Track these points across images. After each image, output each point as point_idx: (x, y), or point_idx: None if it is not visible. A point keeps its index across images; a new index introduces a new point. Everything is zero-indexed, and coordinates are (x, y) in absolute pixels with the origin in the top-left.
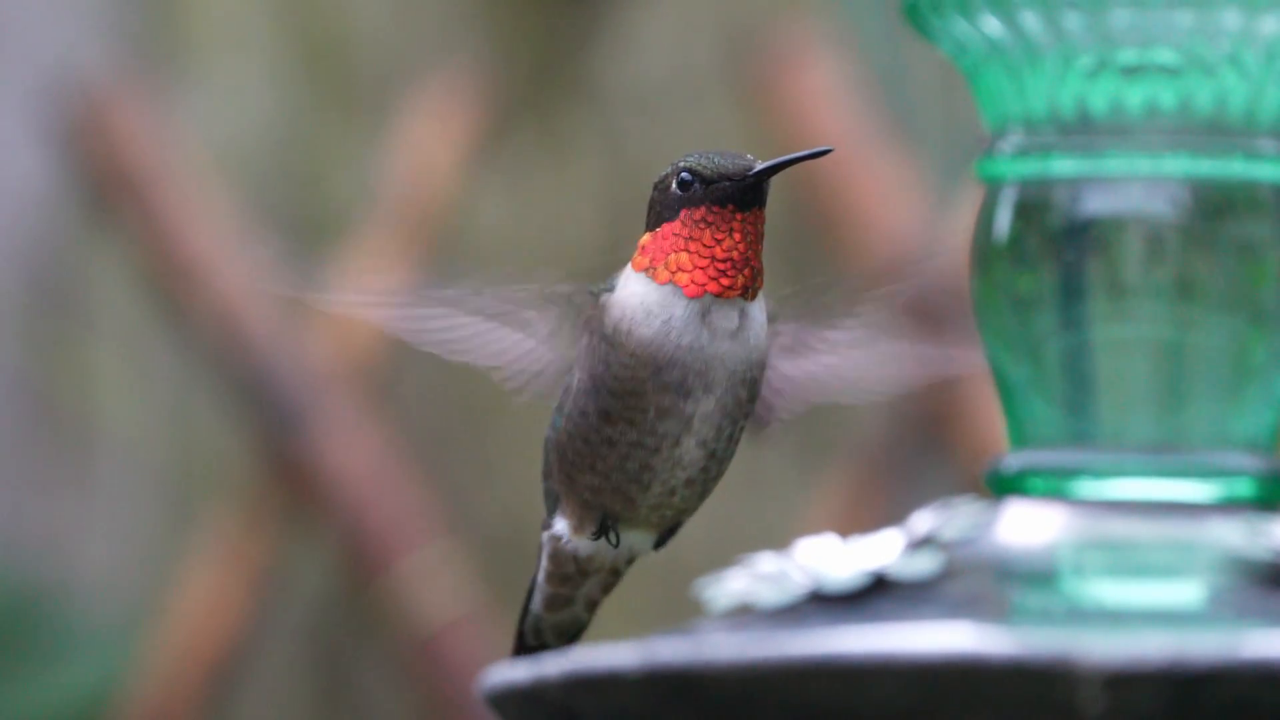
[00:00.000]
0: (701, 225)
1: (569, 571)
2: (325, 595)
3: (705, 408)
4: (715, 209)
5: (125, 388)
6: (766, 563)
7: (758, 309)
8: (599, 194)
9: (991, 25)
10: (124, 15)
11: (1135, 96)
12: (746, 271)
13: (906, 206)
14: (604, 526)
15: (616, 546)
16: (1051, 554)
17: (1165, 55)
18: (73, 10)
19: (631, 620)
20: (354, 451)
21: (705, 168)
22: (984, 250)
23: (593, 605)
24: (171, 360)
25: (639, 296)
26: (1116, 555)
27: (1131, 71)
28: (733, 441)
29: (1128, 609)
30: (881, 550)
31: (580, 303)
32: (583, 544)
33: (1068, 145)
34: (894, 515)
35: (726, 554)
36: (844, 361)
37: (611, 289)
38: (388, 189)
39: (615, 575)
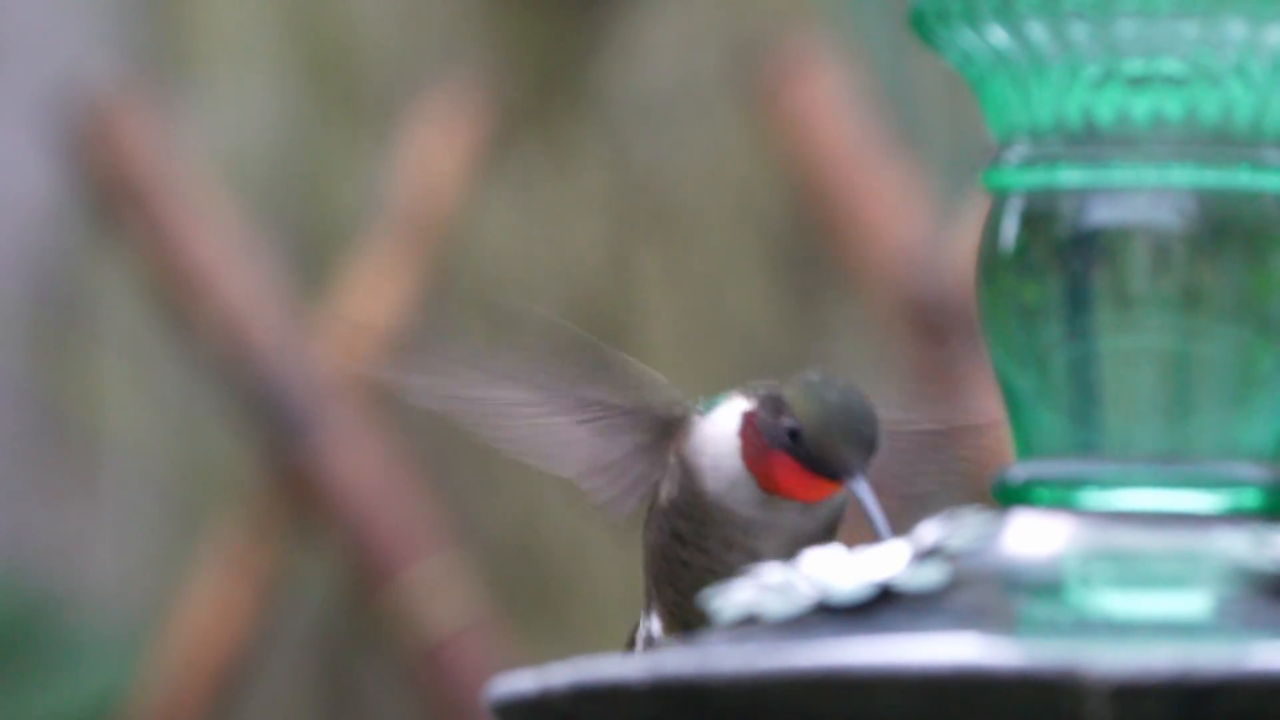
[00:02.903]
0: (790, 470)
1: None
2: (331, 605)
3: (771, 546)
4: (807, 471)
5: (131, 397)
6: (773, 573)
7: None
8: (604, 204)
9: (997, 35)
10: (129, 26)
11: (1141, 107)
12: (818, 498)
13: (911, 216)
14: (689, 635)
15: None
16: (1058, 565)
17: (1171, 65)
18: (78, 21)
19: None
20: (360, 461)
21: (815, 441)
22: (989, 261)
23: None
24: (177, 370)
25: (720, 459)
26: (1123, 566)
27: (1137, 82)
28: None
29: (1134, 620)
30: (888, 561)
31: (673, 419)
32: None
33: (1074, 156)
34: (900, 525)
35: None
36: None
37: (704, 416)
38: (393, 199)
39: None
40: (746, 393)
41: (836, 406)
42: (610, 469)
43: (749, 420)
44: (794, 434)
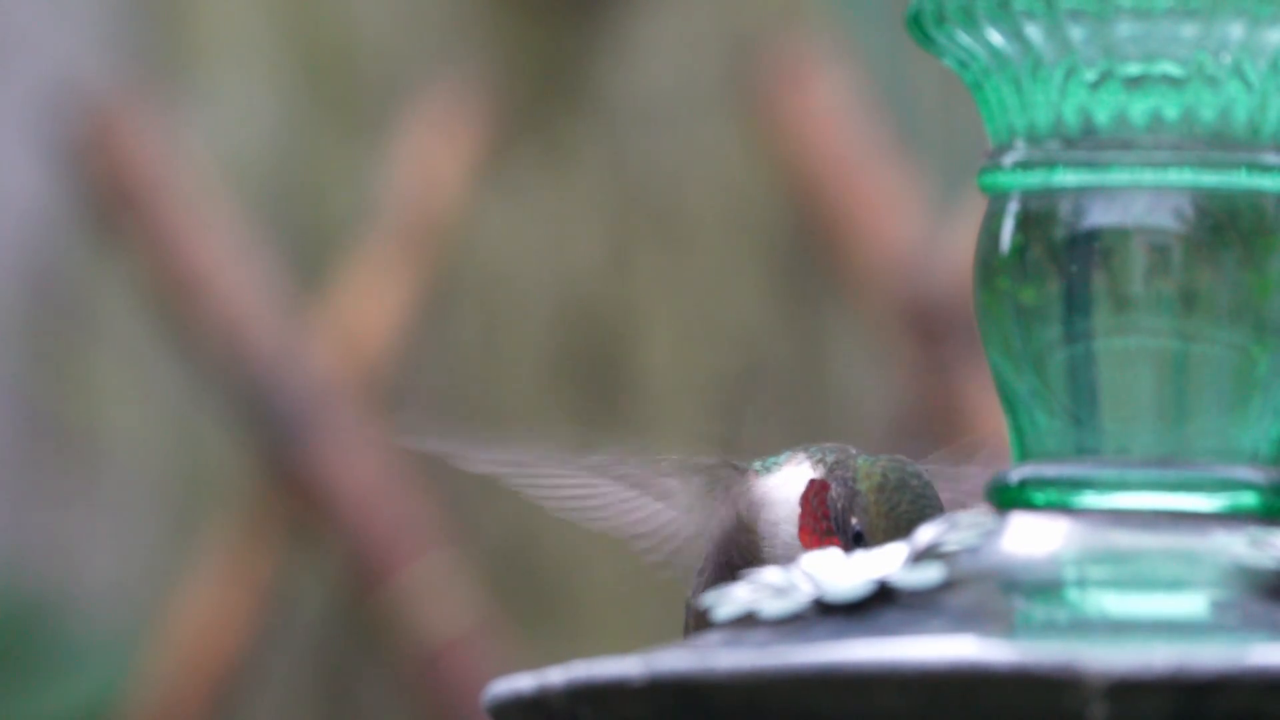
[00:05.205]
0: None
1: None
2: (329, 609)
3: None
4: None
5: (129, 401)
6: (771, 573)
7: None
8: (602, 206)
9: (995, 37)
10: (128, 28)
11: (1139, 108)
12: None
13: (908, 218)
14: None
15: None
16: (1055, 565)
17: (1169, 67)
18: (76, 24)
19: (640, 631)
20: (358, 465)
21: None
22: (987, 262)
23: None
24: (175, 373)
25: (779, 524)
26: (1120, 566)
27: (1135, 83)
28: None
29: (1132, 619)
30: (885, 561)
31: (724, 475)
32: None
33: (1071, 157)
34: None
35: None
36: None
37: (764, 475)
38: (391, 202)
39: None
40: (812, 456)
41: (906, 521)
42: (662, 530)
43: (819, 494)
44: (859, 538)
